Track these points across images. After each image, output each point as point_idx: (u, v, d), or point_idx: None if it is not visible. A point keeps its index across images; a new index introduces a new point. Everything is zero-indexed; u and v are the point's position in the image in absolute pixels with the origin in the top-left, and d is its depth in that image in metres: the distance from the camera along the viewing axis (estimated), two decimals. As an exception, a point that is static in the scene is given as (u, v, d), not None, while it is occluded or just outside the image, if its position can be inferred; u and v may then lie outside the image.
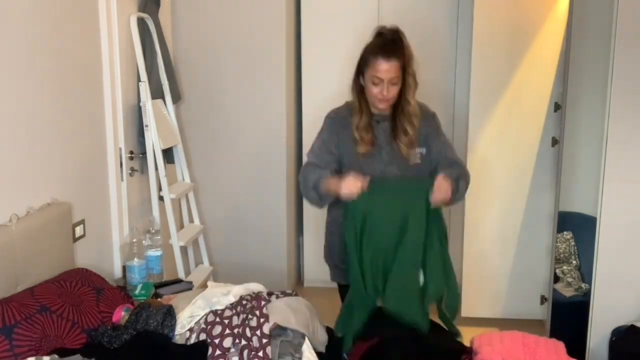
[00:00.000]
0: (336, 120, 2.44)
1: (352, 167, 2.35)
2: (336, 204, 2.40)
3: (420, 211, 2.27)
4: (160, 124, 3.13)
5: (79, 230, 2.64)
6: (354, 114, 2.37)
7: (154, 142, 3.07)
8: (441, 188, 2.23)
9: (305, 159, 4.11)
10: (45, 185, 2.44)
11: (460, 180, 2.36)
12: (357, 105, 2.37)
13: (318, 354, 2.17)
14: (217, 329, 2.13)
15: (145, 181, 3.15)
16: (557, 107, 3.42)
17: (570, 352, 2.21)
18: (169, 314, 2.21)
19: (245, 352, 2.02)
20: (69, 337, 2.06)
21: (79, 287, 2.27)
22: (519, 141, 3.51)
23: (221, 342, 2.08)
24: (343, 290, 2.53)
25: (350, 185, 2.22)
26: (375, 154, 2.37)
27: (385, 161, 2.37)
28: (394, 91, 2.29)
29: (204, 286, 2.81)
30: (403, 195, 2.31)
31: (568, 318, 3.27)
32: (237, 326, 2.13)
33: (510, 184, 3.55)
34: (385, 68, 2.23)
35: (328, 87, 4.05)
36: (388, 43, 2.28)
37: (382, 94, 2.27)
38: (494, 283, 3.67)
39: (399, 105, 2.34)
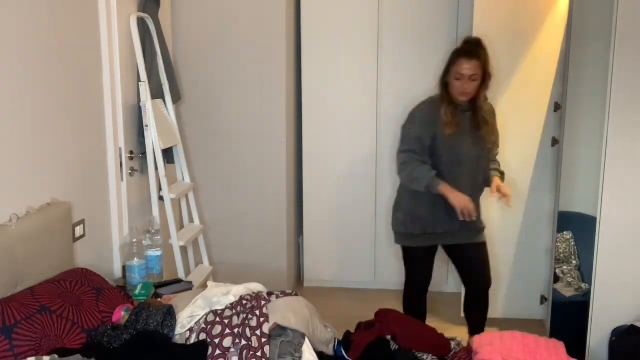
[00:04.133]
0: (426, 113, 2.89)
1: (444, 145, 2.83)
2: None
3: None
4: (160, 124, 3.13)
5: (79, 230, 2.64)
6: (442, 104, 2.85)
7: (154, 142, 3.07)
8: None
9: (305, 159, 4.15)
10: (45, 185, 2.44)
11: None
12: (444, 97, 2.86)
13: (318, 353, 2.17)
14: (217, 329, 2.13)
15: (145, 181, 3.15)
16: (557, 107, 3.42)
17: (570, 352, 2.21)
18: (169, 314, 2.21)
19: (245, 352, 2.02)
20: (69, 337, 2.06)
21: (79, 287, 2.27)
22: (519, 141, 3.51)
23: (221, 342, 2.08)
24: (407, 251, 3.05)
25: (464, 203, 2.76)
26: (462, 136, 2.85)
27: (470, 144, 2.87)
28: (472, 86, 2.79)
29: (204, 286, 2.81)
30: None
31: (568, 318, 3.27)
32: (237, 326, 2.13)
33: (510, 184, 3.54)
34: (466, 66, 2.76)
35: (328, 86, 4.06)
36: (470, 47, 2.83)
37: (462, 87, 2.78)
38: (494, 283, 3.66)
39: (477, 99, 2.85)
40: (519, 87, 3.44)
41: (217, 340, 2.09)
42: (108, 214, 2.93)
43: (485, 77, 2.82)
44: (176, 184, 3.41)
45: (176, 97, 3.47)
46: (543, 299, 3.60)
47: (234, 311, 2.22)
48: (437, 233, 2.95)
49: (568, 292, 3.37)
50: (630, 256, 2.78)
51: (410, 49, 3.96)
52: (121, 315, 2.25)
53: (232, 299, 2.31)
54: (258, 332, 2.08)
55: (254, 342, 2.04)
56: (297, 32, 4.05)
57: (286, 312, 2.21)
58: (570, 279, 3.40)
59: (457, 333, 2.64)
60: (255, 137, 3.94)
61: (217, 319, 2.18)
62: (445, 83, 2.87)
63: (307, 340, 2.15)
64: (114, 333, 2.10)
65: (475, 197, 2.91)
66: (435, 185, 2.80)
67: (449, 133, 2.82)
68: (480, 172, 2.95)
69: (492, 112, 3.00)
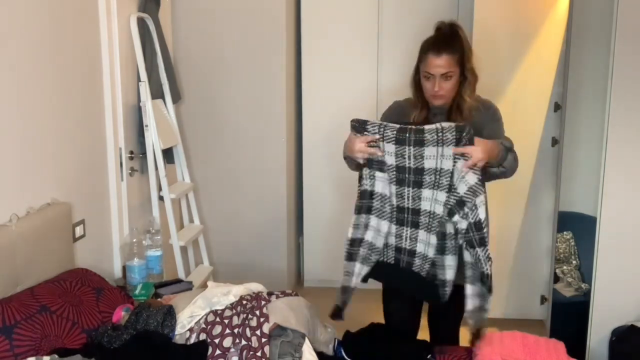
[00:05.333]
0: (394, 108, 2.41)
1: None
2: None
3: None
4: (160, 124, 3.13)
5: (79, 230, 2.64)
6: (413, 108, 2.33)
7: (154, 142, 3.07)
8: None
9: (305, 159, 4.15)
10: (45, 185, 2.44)
11: (510, 154, 2.27)
12: (416, 100, 2.33)
13: (318, 354, 2.17)
14: (217, 329, 2.13)
15: (145, 181, 3.15)
16: (557, 107, 3.42)
17: (570, 352, 2.21)
18: (169, 314, 2.21)
19: (245, 352, 2.02)
20: (69, 337, 2.06)
21: (79, 287, 2.27)
22: (519, 141, 3.48)
23: (221, 342, 2.08)
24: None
25: (357, 146, 2.16)
26: None
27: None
28: (446, 86, 2.22)
29: (204, 286, 2.80)
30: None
31: (568, 318, 3.27)
32: (237, 326, 2.13)
33: (510, 184, 3.54)
34: (436, 63, 2.19)
35: (328, 86, 4.06)
36: (441, 37, 2.26)
37: (433, 90, 2.22)
38: (495, 283, 3.66)
39: (455, 100, 2.27)
40: (519, 87, 3.44)
41: (217, 340, 2.09)
42: (108, 214, 2.93)
43: (464, 72, 2.24)
44: (176, 184, 3.41)
45: (176, 97, 3.47)
46: (543, 299, 3.60)
47: (234, 311, 2.22)
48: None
49: (568, 292, 3.37)
50: (630, 256, 2.78)
51: (410, 48, 3.93)
52: (121, 315, 2.25)
53: (232, 299, 2.31)
54: (258, 332, 2.08)
55: (254, 342, 2.04)
56: (297, 32, 4.06)
57: (286, 312, 2.21)
58: (570, 279, 3.40)
59: (457, 333, 2.63)
60: (255, 137, 3.94)
61: (217, 319, 2.18)
62: (417, 82, 2.32)
63: (307, 340, 2.15)
64: (114, 333, 2.10)
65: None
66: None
67: None
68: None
69: (473, 111, 2.26)
